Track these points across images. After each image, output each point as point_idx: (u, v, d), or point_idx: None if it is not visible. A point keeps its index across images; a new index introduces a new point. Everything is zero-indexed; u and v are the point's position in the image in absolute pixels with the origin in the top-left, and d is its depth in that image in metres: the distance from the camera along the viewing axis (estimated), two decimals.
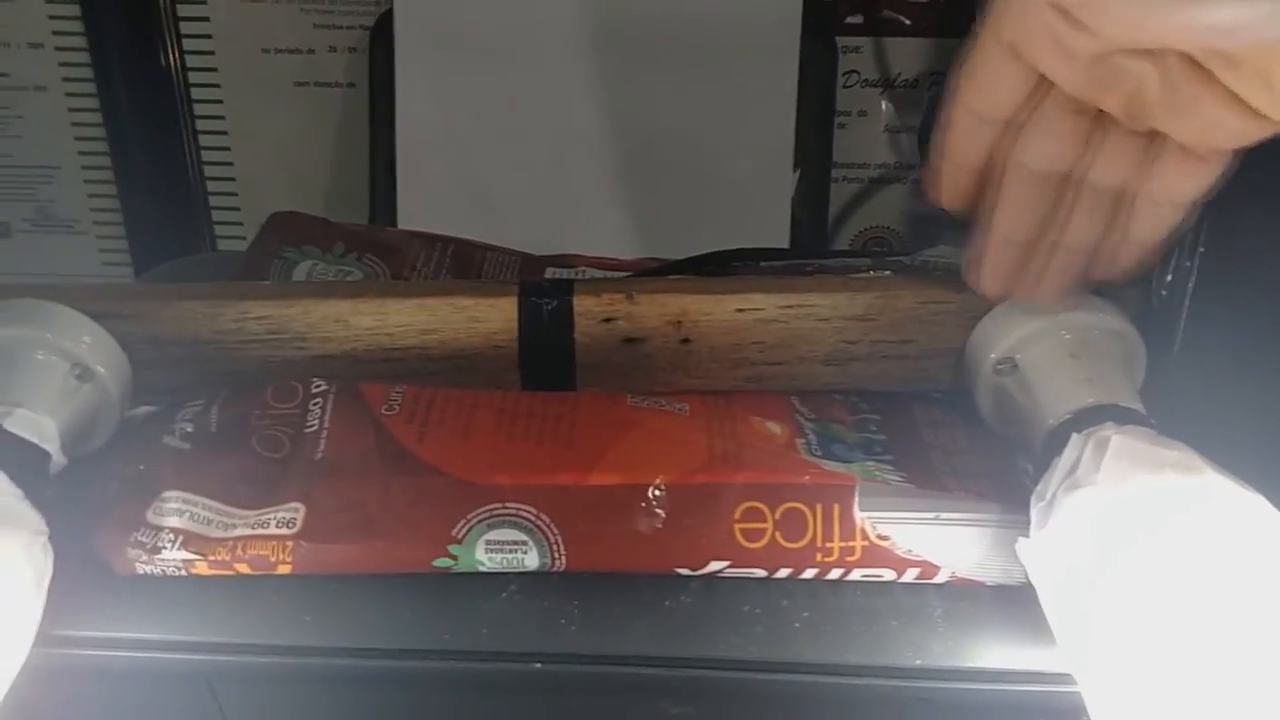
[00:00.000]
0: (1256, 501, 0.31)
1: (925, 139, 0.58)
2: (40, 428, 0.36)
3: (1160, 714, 0.28)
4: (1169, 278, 0.39)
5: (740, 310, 0.40)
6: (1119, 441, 0.33)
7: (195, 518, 0.35)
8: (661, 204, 0.62)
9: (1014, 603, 0.35)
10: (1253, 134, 0.30)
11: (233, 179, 0.67)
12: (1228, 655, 0.28)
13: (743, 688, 0.35)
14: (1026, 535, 0.33)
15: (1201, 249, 0.37)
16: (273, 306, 0.39)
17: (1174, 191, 0.34)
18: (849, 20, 0.63)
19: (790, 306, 0.40)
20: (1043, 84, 0.33)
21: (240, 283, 0.45)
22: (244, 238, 0.68)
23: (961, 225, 0.50)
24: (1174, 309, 0.40)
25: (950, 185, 0.37)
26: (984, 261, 0.37)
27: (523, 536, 0.35)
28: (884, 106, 0.64)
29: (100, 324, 0.39)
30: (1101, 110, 0.33)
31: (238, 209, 0.68)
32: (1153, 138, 0.33)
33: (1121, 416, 0.34)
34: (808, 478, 0.35)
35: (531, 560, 0.35)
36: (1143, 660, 0.29)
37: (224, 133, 0.66)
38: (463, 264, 0.51)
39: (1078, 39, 0.30)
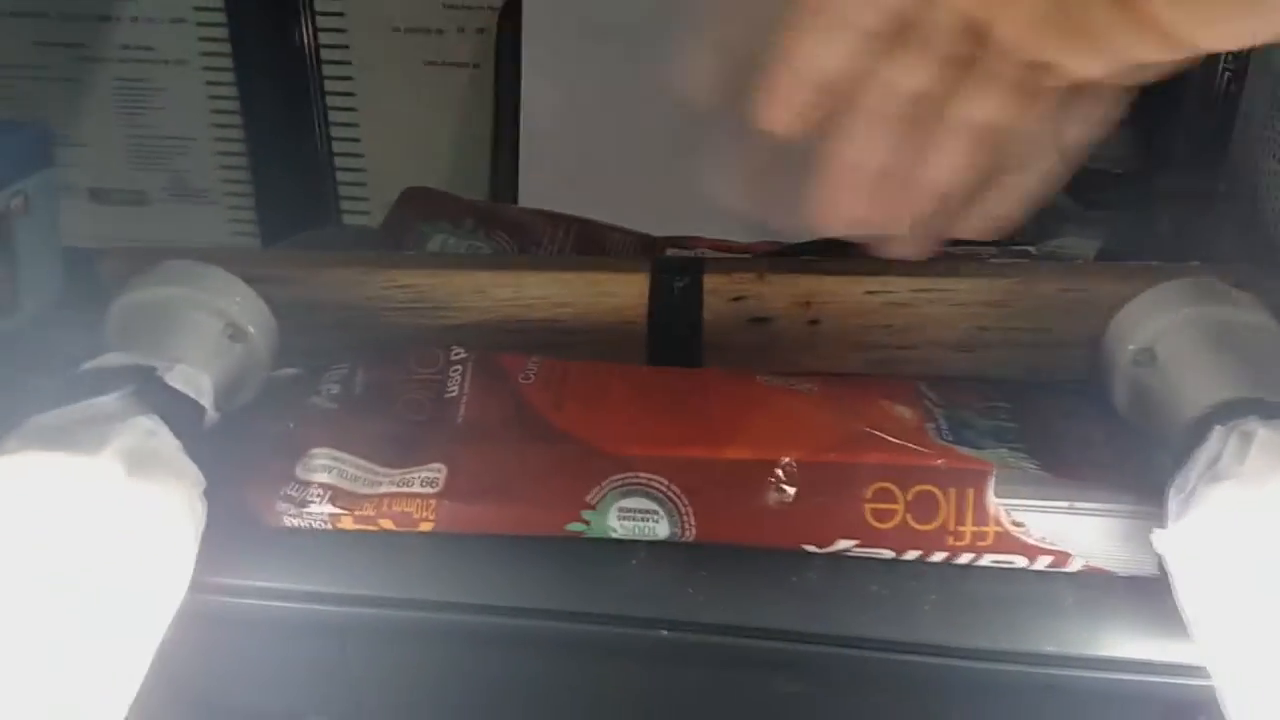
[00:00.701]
0: None
1: None
2: (198, 383, 0.37)
3: None
4: None
5: (871, 292, 0.40)
6: (1265, 435, 0.32)
7: (343, 474, 0.36)
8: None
9: (1146, 594, 0.35)
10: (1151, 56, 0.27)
11: (360, 155, 0.69)
12: None
13: (866, 666, 0.35)
14: (1162, 527, 0.33)
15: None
16: (416, 276, 0.41)
17: (1057, 126, 0.31)
18: None
19: (924, 290, 0.40)
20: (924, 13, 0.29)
21: (385, 252, 0.46)
22: (369, 213, 0.70)
23: (1087, 219, 0.50)
24: None
25: (783, 96, 0.31)
26: (823, 186, 0.32)
27: (654, 506, 0.36)
28: None
29: (252, 287, 0.41)
30: (980, 43, 0.29)
31: (364, 184, 0.70)
32: (1032, 72, 0.29)
33: (1266, 411, 0.34)
34: (941, 461, 0.35)
35: (662, 529, 0.36)
36: None
37: (353, 109, 0.68)
38: (587, 243, 0.52)
39: None
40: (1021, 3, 0.28)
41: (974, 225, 0.34)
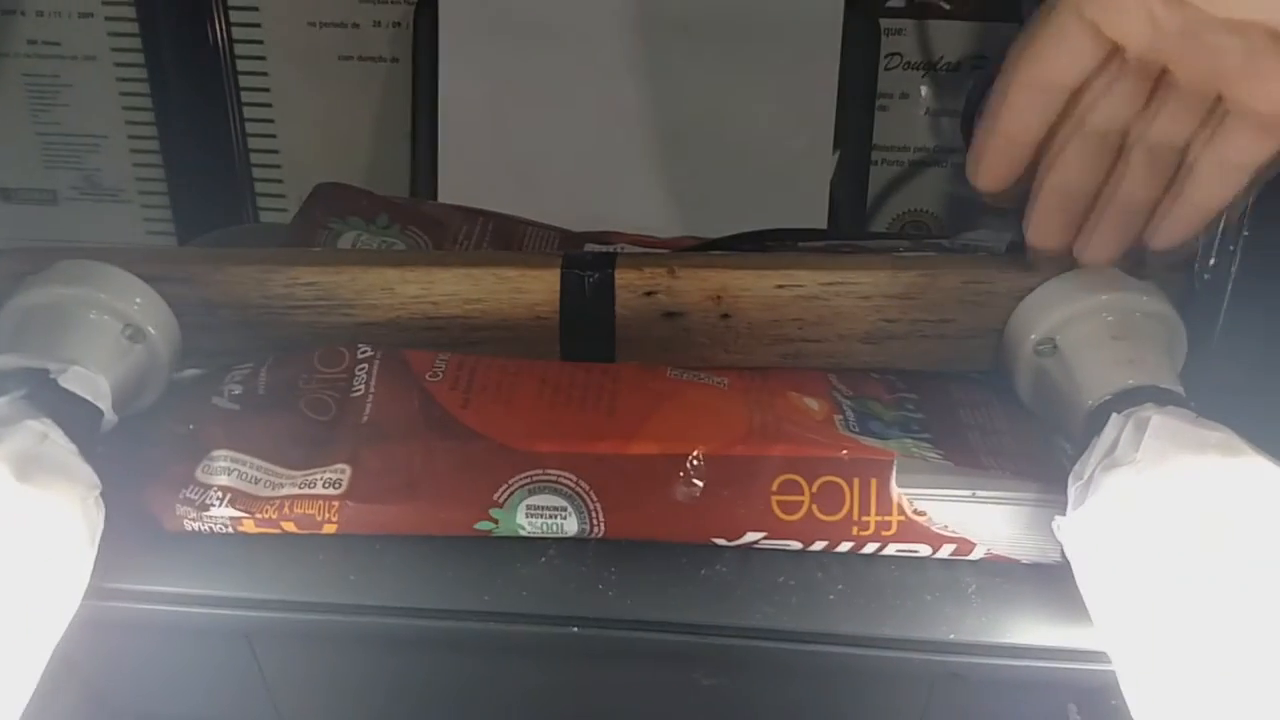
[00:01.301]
0: None
1: (968, 124, 0.58)
2: (94, 385, 0.36)
3: (1195, 694, 0.29)
4: (1212, 261, 0.39)
5: (781, 286, 0.40)
6: (1159, 421, 0.33)
7: (243, 476, 0.36)
8: (701, 183, 0.62)
9: (1048, 581, 0.35)
10: None
11: (276, 151, 0.68)
12: (1265, 637, 0.28)
13: (776, 657, 0.35)
14: (1063, 514, 0.34)
15: (1245, 233, 0.37)
16: (321, 273, 0.40)
17: (1239, 155, 0.34)
18: (891, 2, 0.62)
19: (832, 284, 0.40)
20: (1114, 53, 0.33)
21: (290, 249, 0.46)
22: (286, 209, 0.69)
23: (1000, 212, 0.50)
24: (1216, 293, 0.40)
25: (998, 161, 0.37)
26: (1034, 213, 0.37)
27: (563, 503, 0.35)
28: (925, 89, 0.64)
29: (152, 286, 0.40)
30: (1166, 69, 0.33)
31: (280, 181, 0.68)
32: (1218, 100, 0.34)
33: (1162, 398, 0.35)
34: (845, 452, 0.35)
35: (571, 526, 0.36)
36: (1180, 640, 0.29)
37: (268, 105, 0.66)
38: (504, 238, 0.52)
39: (1173, 14, 0.30)
40: (1202, 50, 0.32)
41: (1161, 240, 0.37)
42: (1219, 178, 0.35)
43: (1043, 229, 0.38)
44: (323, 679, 0.41)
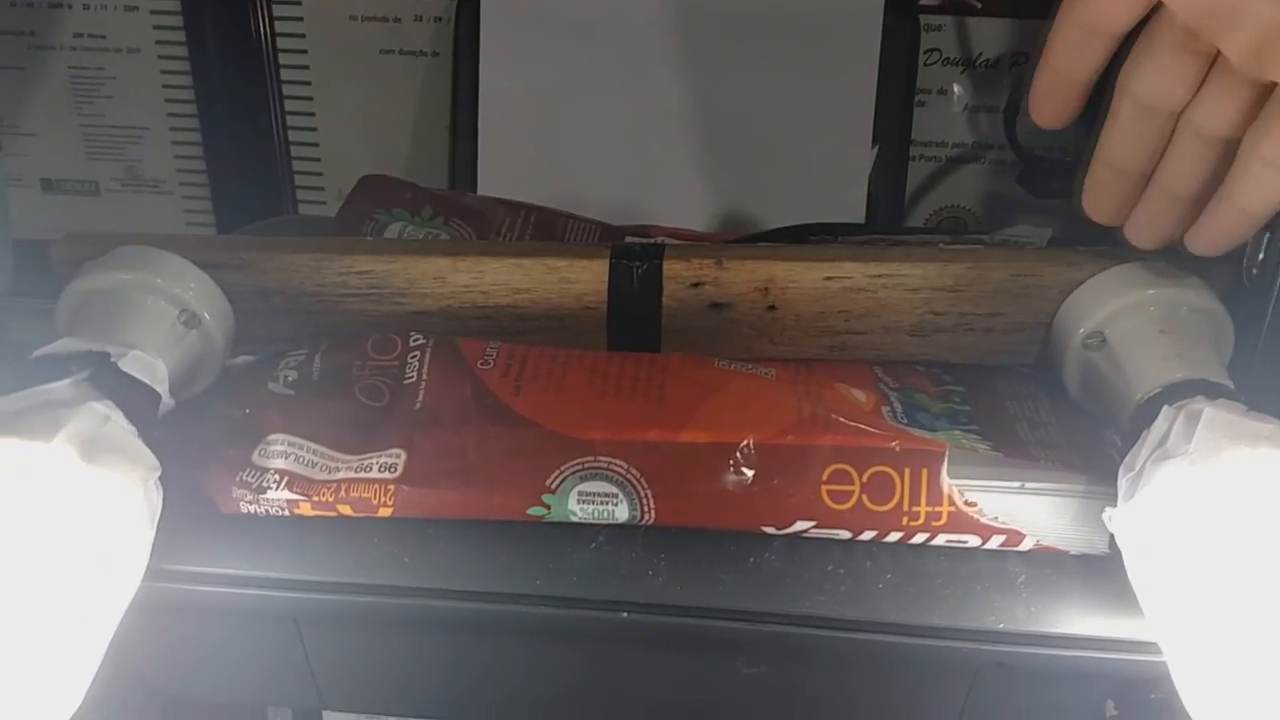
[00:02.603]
0: None
1: (1011, 121, 0.58)
2: (152, 369, 0.37)
3: (1247, 684, 0.29)
4: (1260, 256, 0.39)
5: (828, 278, 0.41)
6: (1211, 413, 0.33)
7: (300, 460, 0.36)
8: (740, 177, 0.62)
9: (1097, 572, 0.35)
10: None
11: (316, 144, 0.68)
12: None
13: (824, 645, 0.35)
14: (1113, 506, 0.34)
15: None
16: (375, 262, 0.41)
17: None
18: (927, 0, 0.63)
19: (879, 276, 0.40)
20: (1160, 10, 0.32)
21: (344, 238, 0.46)
22: (324, 202, 0.70)
23: (1041, 208, 0.50)
24: (1264, 289, 0.40)
25: (1049, 96, 0.36)
26: (1088, 182, 0.37)
27: (614, 489, 0.36)
28: (960, 87, 0.64)
29: (207, 273, 0.40)
30: (1218, 54, 0.32)
31: (320, 174, 0.69)
32: (1268, 91, 0.32)
33: (1212, 391, 0.35)
34: (896, 443, 0.36)
35: (621, 513, 0.36)
36: (1234, 631, 0.29)
37: (309, 98, 0.67)
38: (545, 231, 0.52)
39: None
40: (1245, 27, 0.30)
41: (1202, 243, 0.36)
42: (1267, 179, 0.34)
43: (1093, 200, 0.37)
44: (367, 663, 0.41)
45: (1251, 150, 0.33)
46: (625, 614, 0.35)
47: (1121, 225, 0.38)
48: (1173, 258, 0.38)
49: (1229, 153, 0.34)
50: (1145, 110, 0.35)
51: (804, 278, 0.41)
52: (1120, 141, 0.36)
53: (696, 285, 0.41)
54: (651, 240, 0.48)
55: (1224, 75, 0.33)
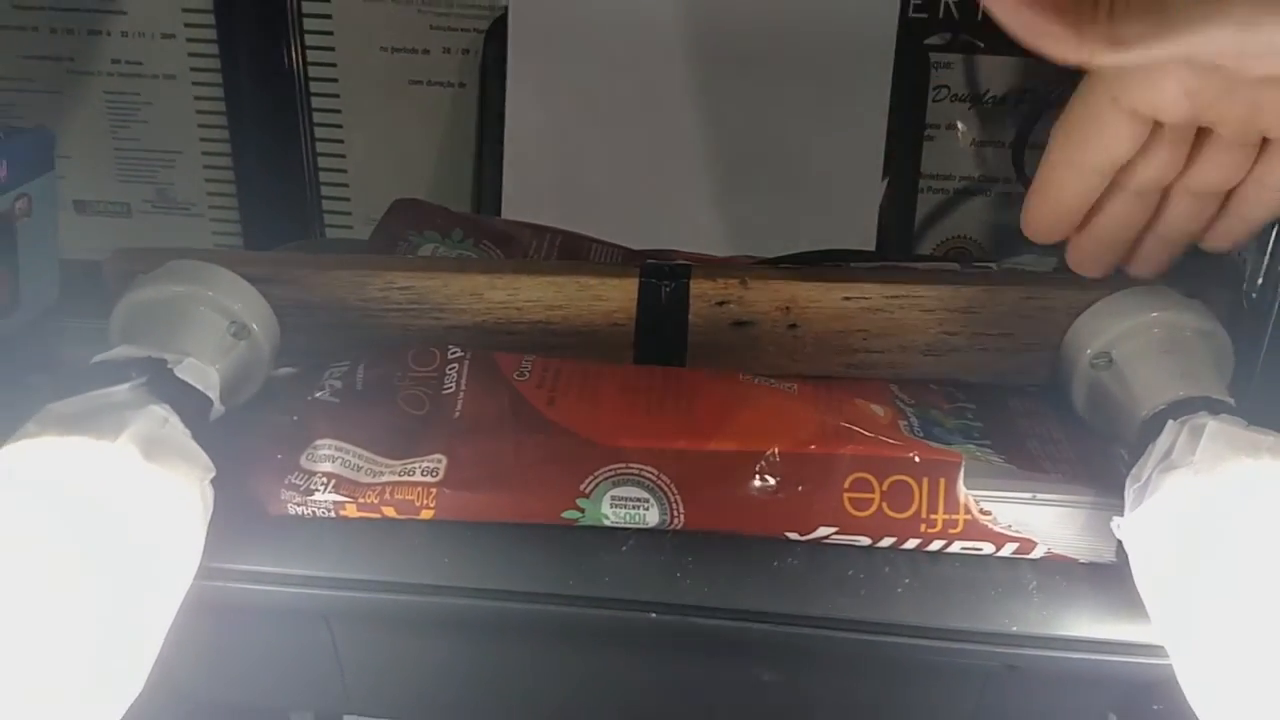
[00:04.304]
0: None
1: (1019, 156, 0.60)
2: (205, 376, 0.39)
3: (1250, 685, 0.30)
4: (1260, 281, 0.41)
5: (847, 299, 0.43)
6: (1214, 427, 0.34)
7: (346, 464, 0.38)
8: (755, 205, 0.65)
9: (1106, 579, 0.37)
10: None
11: (345, 170, 0.70)
12: None
13: (844, 647, 0.37)
14: (1121, 515, 0.35)
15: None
16: (415, 278, 0.43)
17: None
18: (938, 39, 0.65)
19: (896, 297, 0.42)
20: (1154, 126, 0.34)
21: (385, 255, 0.48)
22: (351, 227, 0.72)
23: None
24: (1262, 313, 0.42)
25: (1047, 225, 0.38)
26: (1074, 251, 0.39)
27: (645, 494, 0.37)
28: (966, 123, 0.67)
29: (255, 287, 0.42)
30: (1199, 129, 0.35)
31: (347, 199, 0.71)
32: (1255, 144, 0.35)
33: (1214, 407, 0.36)
34: (915, 453, 0.37)
35: (652, 517, 0.38)
36: (1238, 635, 0.30)
37: (339, 125, 0.69)
38: (570, 254, 0.54)
39: (1207, 83, 0.31)
40: (1240, 106, 0.32)
41: (1217, 245, 0.39)
42: (1266, 200, 0.36)
43: (1083, 265, 0.40)
44: (398, 667, 0.43)
45: (1250, 180, 0.36)
46: (653, 615, 0.37)
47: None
48: (1175, 282, 0.40)
49: (1219, 198, 0.36)
50: (1139, 195, 0.37)
51: (824, 298, 0.43)
52: (1113, 222, 0.38)
53: (722, 304, 0.43)
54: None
55: (1215, 143, 0.35)
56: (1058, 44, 0.29)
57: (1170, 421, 0.36)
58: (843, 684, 0.40)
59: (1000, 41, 0.63)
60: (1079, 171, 0.36)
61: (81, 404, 0.35)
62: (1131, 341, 0.40)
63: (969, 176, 0.67)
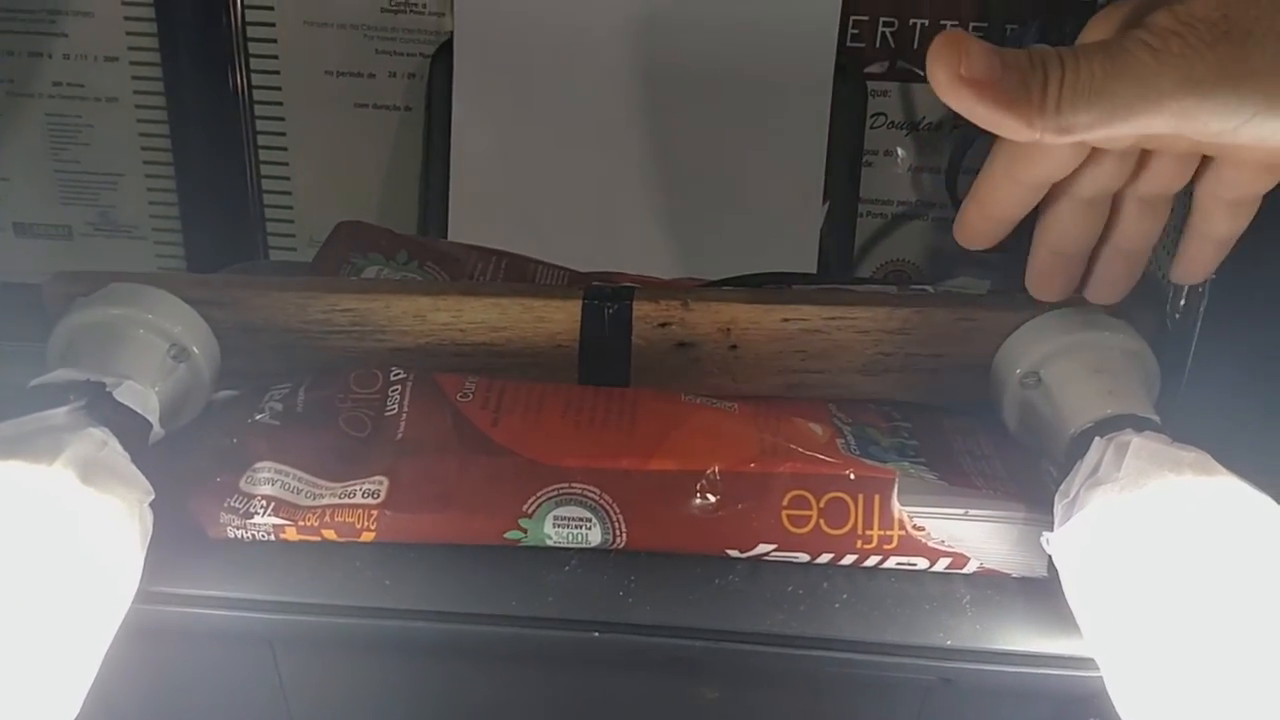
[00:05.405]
0: (1266, 501, 0.33)
1: (952, 181, 0.62)
2: (144, 399, 0.39)
3: (1178, 695, 0.31)
4: (1182, 302, 0.42)
5: (786, 320, 0.43)
6: (1139, 444, 0.36)
7: (286, 486, 0.38)
8: (699, 230, 0.66)
9: (1037, 593, 0.38)
10: None
11: (289, 193, 0.70)
12: (1239, 639, 0.30)
13: (784, 662, 0.37)
14: (1049, 531, 0.36)
15: (1213, 275, 0.40)
16: (358, 300, 0.43)
17: (1236, 191, 0.36)
18: (873, 68, 0.67)
19: (833, 318, 0.43)
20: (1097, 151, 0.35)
21: (327, 278, 0.48)
22: (295, 249, 0.71)
23: (980, 261, 0.54)
24: (1187, 332, 0.43)
25: (980, 230, 0.39)
26: (1033, 272, 0.40)
27: (587, 514, 0.38)
28: (904, 149, 0.68)
29: (195, 309, 0.42)
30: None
31: (292, 221, 0.71)
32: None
33: (1139, 424, 0.37)
34: (850, 471, 0.38)
35: (594, 536, 0.38)
36: (1162, 644, 0.31)
37: (284, 149, 0.69)
38: (515, 276, 0.54)
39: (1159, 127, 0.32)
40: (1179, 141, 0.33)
41: (1180, 275, 0.39)
42: (1221, 211, 0.37)
43: (1043, 286, 0.40)
44: (343, 688, 0.43)
45: (1201, 190, 0.36)
46: (597, 634, 0.37)
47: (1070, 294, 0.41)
48: (1102, 305, 0.42)
49: (1170, 202, 0.37)
50: (1088, 202, 0.37)
51: (764, 319, 0.44)
52: (1066, 231, 0.38)
53: (664, 325, 0.44)
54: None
55: (1162, 154, 0.36)
56: (1010, 130, 0.31)
57: (1097, 439, 0.37)
58: (785, 700, 0.41)
59: None
60: (1017, 184, 0.37)
61: (19, 427, 0.35)
62: (1060, 361, 0.41)
63: (907, 201, 0.69)
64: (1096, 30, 0.34)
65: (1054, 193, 0.38)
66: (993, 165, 0.37)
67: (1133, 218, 0.38)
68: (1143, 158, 0.36)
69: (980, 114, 0.30)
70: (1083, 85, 0.30)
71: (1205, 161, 0.36)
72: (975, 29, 0.64)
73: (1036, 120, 0.30)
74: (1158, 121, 0.30)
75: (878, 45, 0.65)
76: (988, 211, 0.38)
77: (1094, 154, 0.36)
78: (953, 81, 0.30)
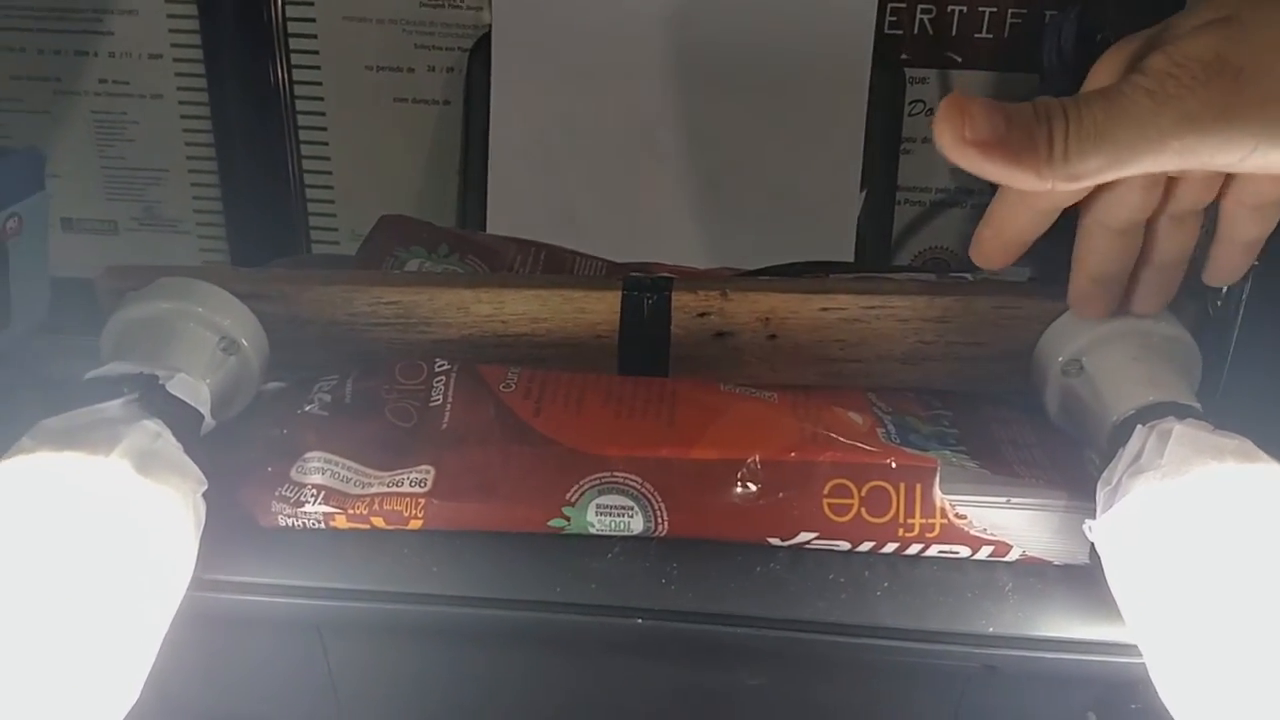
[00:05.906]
0: None
1: None
2: (196, 391, 0.40)
3: (1221, 681, 0.31)
4: (1224, 291, 0.42)
5: (825, 309, 0.44)
6: (1181, 431, 0.35)
7: (336, 476, 0.39)
8: (736, 219, 0.66)
9: (1078, 581, 0.38)
10: None
11: (331, 187, 0.71)
12: None
13: (825, 650, 0.37)
14: (1093, 518, 0.36)
15: (1256, 263, 0.40)
16: (403, 293, 0.43)
17: (1264, 197, 0.36)
18: (913, 54, 0.66)
19: (872, 307, 0.43)
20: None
21: (371, 271, 0.49)
22: (337, 243, 0.72)
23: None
24: (1229, 319, 0.43)
25: (997, 254, 0.39)
26: (1074, 297, 0.40)
27: (630, 502, 0.38)
28: None
29: (244, 303, 0.43)
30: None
31: (334, 215, 0.72)
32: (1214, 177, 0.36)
33: (1181, 412, 0.37)
34: (892, 459, 0.38)
35: (637, 525, 0.38)
36: (1207, 631, 0.31)
37: (325, 143, 0.70)
38: (554, 267, 0.55)
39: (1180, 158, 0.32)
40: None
41: (1213, 278, 0.40)
42: (1247, 217, 0.37)
43: (1086, 309, 0.41)
44: (389, 672, 0.43)
45: (1228, 198, 0.37)
46: (639, 620, 0.37)
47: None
48: None
49: (1200, 217, 0.38)
50: (1121, 232, 0.38)
51: (802, 309, 0.44)
52: (1104, 260, 0.39)
53: (703, 315, 0.44)
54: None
55: (1190, 176, 0.36)
56: (1021, 183, 0.31)
57: (1139, 426, 0.37)
58: (825, 687, 0.41)
59: (973, 56, 0.64)
60: (1031, 210, 0.37)
61: (75, 419, 0.36)
62: (1102, 349, 0.41)
63: (945, 188, 0.68)
64: (1100, 77, 0.34)
65: (1088, 225, 0.38)
66: (1007, 191, 0.37)
67: (1166, 235, 0.38)
68: (1169, 183, 0.37)
69: (990, 171, 0.31)
70: (1086, 132, 0.31)
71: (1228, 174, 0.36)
72: (1014, 14, 0.64)
73: (1045, 171, 0.31)
74: (1163, 160, 0.31)
75: (915, 32, 0.65)
76: (1004, 236, 0.38)
77: (1120, 186, 0.36)
78: (958, 145, 0.31)
